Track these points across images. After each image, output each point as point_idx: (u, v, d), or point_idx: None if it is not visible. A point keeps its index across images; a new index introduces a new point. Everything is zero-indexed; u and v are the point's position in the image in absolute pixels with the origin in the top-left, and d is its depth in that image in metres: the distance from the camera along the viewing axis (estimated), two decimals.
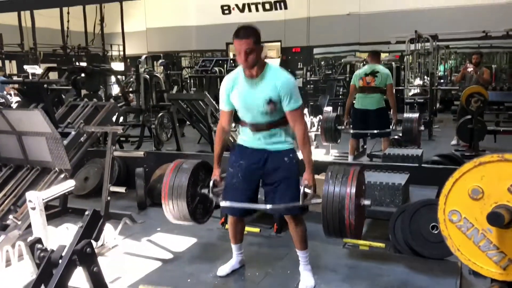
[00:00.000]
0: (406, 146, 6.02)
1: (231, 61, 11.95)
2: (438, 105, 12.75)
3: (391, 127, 6.03)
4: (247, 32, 2.68)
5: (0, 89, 10.19)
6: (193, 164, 3.13)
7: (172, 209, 3.11)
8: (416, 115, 6.25)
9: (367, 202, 2.79)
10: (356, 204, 2.64)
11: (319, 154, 6.72)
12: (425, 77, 13.46)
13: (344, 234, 2.74)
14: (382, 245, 3.71)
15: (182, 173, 3.08)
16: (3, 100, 8.68)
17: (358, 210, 2.68)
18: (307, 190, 2.81)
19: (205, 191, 3.11)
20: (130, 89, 10.38)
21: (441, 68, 15.30)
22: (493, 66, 13.82)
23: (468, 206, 1.78)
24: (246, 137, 2.97)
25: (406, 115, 6.37)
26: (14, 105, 8.23)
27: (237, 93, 2.85)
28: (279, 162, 2.88)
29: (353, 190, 2.63)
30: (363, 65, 12.67)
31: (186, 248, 3.74)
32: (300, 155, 2.93)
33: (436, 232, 3.34)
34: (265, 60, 2.81)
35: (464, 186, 1.79)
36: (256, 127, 2.87)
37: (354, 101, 6.19)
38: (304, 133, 2.82)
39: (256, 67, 2.75)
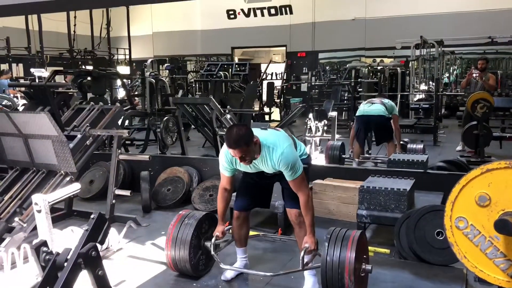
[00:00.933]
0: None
1: (236, 66, 11.97)
2: (443, 110, 12.72)
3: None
4: (237, 141, 2.72)
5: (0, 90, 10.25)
6: (196, 219, 3.16)
7: (175, 262, 3.15)
8: (420, 146, 6.35)
9: (368, 267, 2.77)
10: (356, 275, 2.61)
11: (323, 159, 6.70)
12: (430, 82, 13.45)
13: None
14: (387, 251, 3.69)
15: (186, 228, 3.13)
16: (10, 103, 8.73)
17: (358, 281, 2.66)
18: (307, 257, 2.88)
19: (207, 243, 3.18)
20: (136, 93, 10.42)
21: (445, 77, 15.25)
22: (498, 72, 13.74)
23: (475, 213, 1.77)
24: None
25: (410, 145, 6.46)
26: (20, 108, 8.27)
27: (243, 168, 3.01)
28: None
29: (352, 260, 2.59)
30: (368, 71, 12.74)
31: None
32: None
33: (441, 238, 3.32)
34: (257, 141, 2.84)
35: (471, 193, 1.78)
36: (271, 175, 3.07)
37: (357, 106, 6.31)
38: (307, 199, 2.89)
39: (253, 157, 2.86)
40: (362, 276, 2.75)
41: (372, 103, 6.14)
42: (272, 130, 3.09)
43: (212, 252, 3.13)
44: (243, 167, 2.99)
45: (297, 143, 3.13)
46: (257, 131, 2.89)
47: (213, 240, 3.12)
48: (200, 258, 3.22)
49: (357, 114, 6.23)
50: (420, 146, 6.35)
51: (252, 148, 2.77)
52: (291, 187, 2.91)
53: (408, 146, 6.44)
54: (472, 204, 1.78)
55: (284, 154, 2.81)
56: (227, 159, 2.96)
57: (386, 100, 6.15)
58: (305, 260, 2.87)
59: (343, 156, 6.53)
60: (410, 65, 13.36)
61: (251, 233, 3.91)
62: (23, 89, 8.08)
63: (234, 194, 3.26)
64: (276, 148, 2.83)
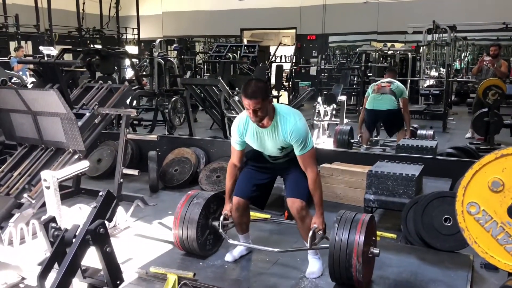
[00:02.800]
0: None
1: (245, 47, 11.88)
2: (453, 97, 12.59)
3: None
4: (254, 92, 2.68)
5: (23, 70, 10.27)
6: (205, 199, 3.17)
7: (182, 241, 3.16)
8: (431, 132, 6.26)
9: (375, 251, 2.75)
10: (364, 257, 2.60)
11: (331, 144, 6.68)
12: (441, 68, 13.28)
13: (352, 285, 2.71)
14: (393, 235, 3.69)
15: (194, 207, 3.13)
16: (19, 80, 8.74)
17: (365, 263, 2.65)
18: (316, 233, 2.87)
19: (215, 223, 3.18)
20: (144, 73, 10.39)
21: (456, 65, 15.04)
22: (511, 59, 13.53)
23: (488, 199, 1.75)
24: (264, 155, 3.09)
25: (420, 131, 6.36)
26: (29, 86, 8.28)
27: (251, 140, 2.96)
28: (296, 166, 2.96)
29: (361, 242, 2.58)
30: (378, 55, 12.58)
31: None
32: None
33: (448, 224, 3.31)
34: (273, 106, 2.82)
35: (484, 178, 1.76)
36: (275, 158, 3.05)
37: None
38: (315, 176, 2.86)
39: (266, 119, 2.80)
40: (369, 258, 2.75)
41: (382, 93, 5.94)
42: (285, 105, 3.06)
43: (220, 230, 3.13)
44: (251, 138, 2.93)
45: None
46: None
47: (221, 218, 3.13)
48: (207, 238, 3.24)
49: (366, 107, 6.10)
50: (430, 132, 6.27)
51: (267, 105, 2.73)
52: (300, 163, 2.86)
53: (418, 132, 6.38)
54: (485, 189, 1.76)
55: (298, 125, 2.78)
56: (239, 129, 2.94)
57: (395, 84, 5.97)
58: (313, 241, 2.86)
59: (352, 140, 6.49)
60: (421, 50, 13.18)
61: (259, 215, 3.92)
62: (32, 66, 8.08)
63: None
64: (289, 118, 2.80)
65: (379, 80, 6.37)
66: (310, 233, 2.84)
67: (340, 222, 2.71)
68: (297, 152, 2.84)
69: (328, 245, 2.73)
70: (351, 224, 2.67)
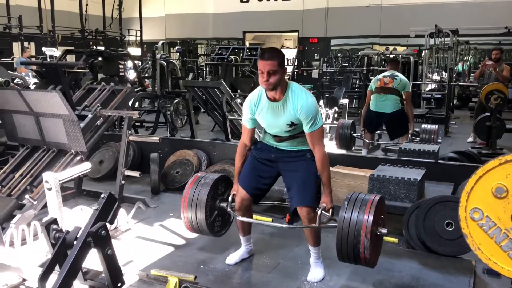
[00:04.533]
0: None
1: (247, 50, 11.89)
2: (455, 101, 12.57)
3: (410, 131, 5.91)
4: (272, 54, 2.70)
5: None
6: (213, 179, 3.14)
7: (191, 221, 3.14)
8: (435, 126, 6.15)
9: (383, 231, 2.73)
10: (372, 236, 2.58)
11: (333, 147, 6.67)
12: (443, 72, 13.27)
13: (359, 263, 2.70)
14: (395, 240, 3.67)
15: (202, 187, 3.10)
16: (22, 81, 8.76)
17: (373, 241, 2.63)
18: (324, 213, 2.85)
19: (223, 204, 3.16)
20: (146, 75, 10.40)
21: (459, 67, 15.03)
22: None
23: (491, 205, 1.74)
24: (268, 139, 3.05)
25: (424, 126, 6.22)
26: (32, 87, 8.30)
27: (261, 115, 2.92)
28: (302, 157, 2.95)
29: (370, 221, 2.56)
30: (380, 59, 12.57)
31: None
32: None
33: (450, 229, 3.30)
34: (286, 80, 2.82)
35: (487, 184, 1.75)
36: (280, 139, 2.98)
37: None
38: (323, 155, 2.84)
39: (278, 90, 2.78)
40: (377, 238, 2.72)
41: (385, 94, 5.86)
42: None
43: (229, 209, 3.09)
44: (262, 114, 2.89)
45: None
46: None
47: (229, 198, 3.09)
48: (215, 219, 3.19)
49: (370, 108, 6.03)
50: (434, 126, 6.13)
51: (281, 73, 2.73)
52: (308, 140, 2.85)
53: (423, 126, 6.20)
54: (489, 195, 1.75)
55: (309, 101, 2.77)
56: (250, 106, 2.92)
57: (397, 80, 5.84)
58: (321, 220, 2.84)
59: (354, 134, 6.44)
60: (423, 54, 13.18)
61: (263, 218, 3.91)
62: (34, 67, 8.10)
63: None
64: (301, 94, 2.80)
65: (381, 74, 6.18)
66: (319, 212, 2.81)
67: (350, 200, 2.69)
68: (306, 129, 2.81)
69: (336, 224, 2.70)
70: (361, 203, 2.65)
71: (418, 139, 6.00)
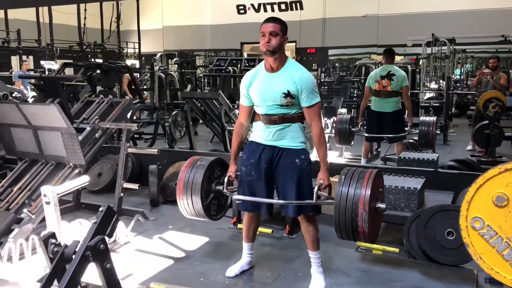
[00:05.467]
0: (421, 150, 5.94)
1: (245, 61, 11.94)
2: (453, 109, 12.60)
3: (406, 129, 5.93)
4: (276, 19, 2.79)
5: (23, 83, 10.32)
6: (208, 161, 3.12)
7: (187, 204, 3.11)
8: (433, 118, 6.11)
9: (382, 205, 2.70)
10: (370, 209, 2.55)
11: (332, 156, 6.66)
12: (441, 81, 13.31)
13: (358, 239, 2.68)
14: (396, 250, 3.65)
15: (198, 169, 3.07)
16: (20, 95, 8.77)
17: (372, 215, 2.60)
18: (320, 192, 2.79)
19: (220, 187, 3.12)
20: (145, 87, 10.43)
21: (457, 72, 15.10)
22: (511, 71, 13.60)
23: (492, 214, 1.73)
24: (258, 133, 2.94)
25: (422, 118, 6.24)
26: (30, 100, 8.31)
27: (256, 85, 2.87)
28: (292, 164, 2.84)
29: (367, 194, 2.53)
30: (377, 67, 12.61)
31: (197, 247, 3.72)
32: (313, 156, 2.90)
33: (451, 238, 3.28)
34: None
35: (488, 193, 1.74)
36: (270, 120, 2.84)
37: (369, 103, 6.13)
38: (320, 131, 2.82)
39: (277, 59, 2.77)
40: (376, 212, 2.68)
41: (385, 98, 5.87)
42: None
43: (225, 190, 3.06)
44: (258, 85, 2.84)
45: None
46: None
47: (225, 179, 3.05)
48: (212, 202, 3.16)
49: (371, 108, 6.07)
50: (432, 118, 6.07)
51: (282, 39, 2.75)
52: (306, 116, 2.81)
53: (421, 118, 6.16)
54: (489, 204, 1.74)
55: (307, 74, 2.78)
56: (246, 80, 2.91)
57: (395, 79, 5.79)
58: (320, 198, 2.80)
59: (352, 129, 6.43)
60: (421, 63, 13.24)
61: (264, 230, 3.89)
62: (33, 81, 8.11)
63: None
64: (300, 67, 2.81)
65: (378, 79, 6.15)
66: (315, 188, 2.77)
67: (347, 175, 2.67)
68: (303, 102, 2.77)
69: (333, 201, 2.67)
70: (358, 176, 2.63)
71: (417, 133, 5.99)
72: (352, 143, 6.64)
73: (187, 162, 3.17)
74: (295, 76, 2.74)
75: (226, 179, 3.05)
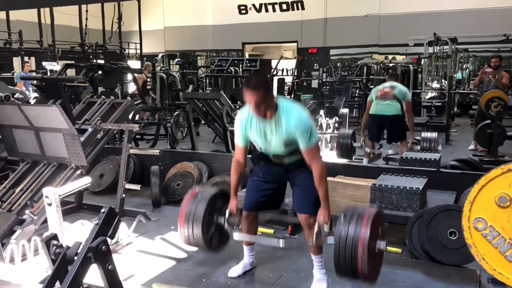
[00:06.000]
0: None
1: (247, 61, 11.92)
2: (455, 109, 12.58)
3: (408, 143, 5.95)
4: (256, 85, 2.71)
5: (25, 84, 10.34)
6: (210, 194, 3.11)
7: (188, 237, 3.10)
8: (434, 134, 6.11)
9: (383, 245, 2.68)
10: (370, 251, 2.54)
11: (334, 157, 6.65)
12: (443, 80, 13.29)
13: (358, 280, 2.65)
14: (398, 250, 3.65)
15: (199, 204, 3.07)
16: (22, 96, 8.78)
17: (372, 256, 2.59)
18: (325, 229, 2.83)
19: (221, 220, 3.13)
20: (148, 87, 10.43)
21: (459, 75, 15.06)
22: None
23: (495, 214, 1.72)
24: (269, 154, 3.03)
25: (424, 134, 6.20)
26: (32, 101, 8.31)
27: (254, 135, 2.91)
28: (301, 171, 2.92)
29: (366, 241, 2.51)
30: (380, 68, 12.61)
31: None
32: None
33: (454, 238, 3.27)
34: (275, 99, 2.79)
35: (490, 193, 1.73)
36: (278, 158, 2.98)
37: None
38: (321, 170, 2.81)
39: (268, 110, 2.77)
40: (377, 253, 2.67)
41: (385, 99, 5.94)
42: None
43: (226, 226, 3.07)
44: (256, 133, 2.89)
45: None
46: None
47: (226, 214, 3.06)
48: (213, 235, 3.14)
49: (370, 113, 6.09)
50: (434, 134, 6.04)
51: (269, 99, 2.72)
52: (305, 157, 2.82)
53: (422, 134, 6.19)
54: (492, 204, 1.73)
55: (301, 117, 2.75)
56: (242, 125, 2.91)
57: (397, 89, 5.90)
58: (319, 235, 2.82)
59: (354, 144, 6.43)
60: (422, 62, 13.20)
61: (265, 230, 3.89)
62: (35, 82, 8.12)
63: (244, 190, 3.21)
64: (292, 110, 2.77)
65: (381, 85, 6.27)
66: (316, 227, 2.78)
67: (346, 215, 2.65)
68: (301, 146, 2.78)
69: (333, 242, 2.67)
70: (357, 217, 2.60)
71: (419, 147, 5.99)
72: (354, 157, 6.62)
73: (188, 195, 3.16)
74: (291, 122, 2.75)
75: (227, 214, 3.06)
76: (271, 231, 4.01)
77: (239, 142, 3.00)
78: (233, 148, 6.46)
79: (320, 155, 2.86)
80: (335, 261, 2.63)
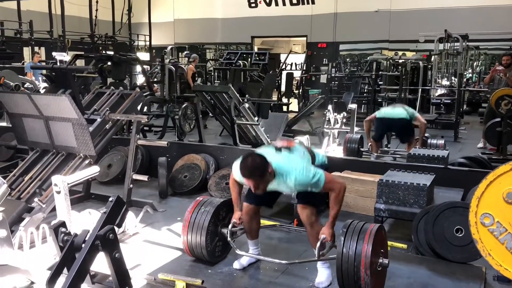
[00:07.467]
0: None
1: (256, 55, 11.90)
2: (465, 106, 12.48)
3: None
4: (252, 173, 2.77)
5: (35, 74, 10.41)
6: (214, 206, 3.17)
7: (191, 247, 3.16)
8: (441, 141, 6.21)
9: (385, 261, 2.69)
10: (372, 270, 2.55)
11: (341, 153, 6.64)
12: (453, 77, 13.19)
13: None
14: (404, 246, 3.64)
15: (203, 215, 3.13)
16: (32, 86, 8.85)
17: (374, 275, 2.60)
18: (322, 248, 2.86)
19: (225, 231, 3.18)
20: (155, 79, 10.45)
21: (469, 72, 14.93)
22: None
23: (502, 210, 1.72)
24: None
25: (430, 141, 6.27)
26: (42, 91, 8.37)
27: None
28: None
29: (368, 260, 2.52)
30: (389, 64, 12.53)
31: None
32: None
33: (460, 235, 3.26)
34: (270, 168, 2.78)
35: (498, 189, 1.72)
36: None
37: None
38: (337, 194, 2.82)
39: (268, 184, 2.86)
40: (379, 270, 2.71)
41: (394, 107, 6.14)
42: (286, 152, 2.92)
43: (229, 238, 3.13)
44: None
45: (315, 154, 3.11)
46: (270, 155, 2.84)
47: (230, 226, 3.13)
48: (216, 245, 3.22)
49: (378, 116, 6.12)
50: (441, 141, 6.21)
51: (267, 178, 2.78)
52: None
53: (429, 141, 6.30)
54: (500, 200, 1.73)
55: (298, 179, 2.78)
56: (240, 176, 2.92)
57: (406, 107, 6.18)
58: (321, 251, 2.84)
59: (362, 149, 6.45)
60: (432, 59, 13.10)
61: (268, 222, 3.90)
62: (44, 72, 8.17)
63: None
64: (289, 175, 2.79)
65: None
66: (318, 243, 2.82)
67: (347, 232, 2.67)
68: (314, 191, 2.83)
69: (335, 256, 2.69)
70: (358, 235, 2.62)
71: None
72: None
73: (192, 205, 3.22)
74: (292, 184, 2.80)
75: (230, 226, 3.12)
76: (276, 223, 4.02)
77: (236, 179, 3.06)
78: (241, 142, 6.49)
79: (336, 181, 2.84)
80: (339, 282, 2.66)
